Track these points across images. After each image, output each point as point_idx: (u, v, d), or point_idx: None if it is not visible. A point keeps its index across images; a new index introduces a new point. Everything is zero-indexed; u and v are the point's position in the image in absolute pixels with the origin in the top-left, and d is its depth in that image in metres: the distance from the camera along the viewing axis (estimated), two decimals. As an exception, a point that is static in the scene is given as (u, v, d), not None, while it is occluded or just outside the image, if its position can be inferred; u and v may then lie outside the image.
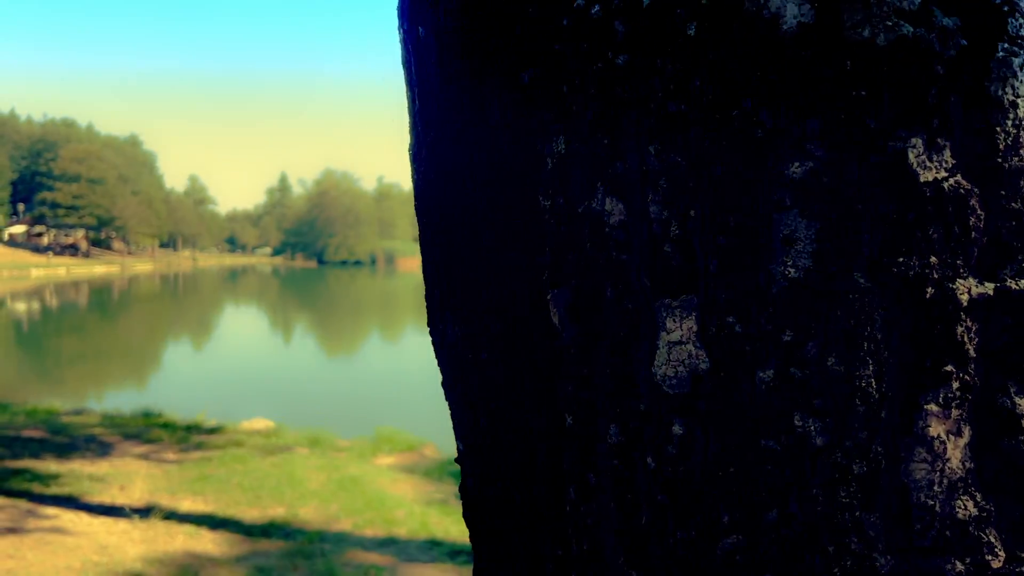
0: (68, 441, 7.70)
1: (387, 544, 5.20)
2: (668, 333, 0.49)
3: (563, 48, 0.52)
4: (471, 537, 0.66)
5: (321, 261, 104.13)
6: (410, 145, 0.67)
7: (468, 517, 0.66)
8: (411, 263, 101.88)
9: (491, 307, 0.58)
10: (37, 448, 7.26)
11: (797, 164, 0.46)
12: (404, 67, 0.67)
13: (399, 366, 19.83)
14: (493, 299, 0.58)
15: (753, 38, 0.46)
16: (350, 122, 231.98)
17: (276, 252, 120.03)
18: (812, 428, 0.46)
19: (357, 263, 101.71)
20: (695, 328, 0.49)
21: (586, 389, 0.53)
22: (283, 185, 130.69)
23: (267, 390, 15.80)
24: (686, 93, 0.48)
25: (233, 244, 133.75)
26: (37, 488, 5.90)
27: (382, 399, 14.63)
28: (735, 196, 0.47)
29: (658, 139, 0.49)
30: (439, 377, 0.68)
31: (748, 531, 0.48)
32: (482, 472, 0.62)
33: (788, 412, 0.47)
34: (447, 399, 0.68)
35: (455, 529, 5.52)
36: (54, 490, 5.90)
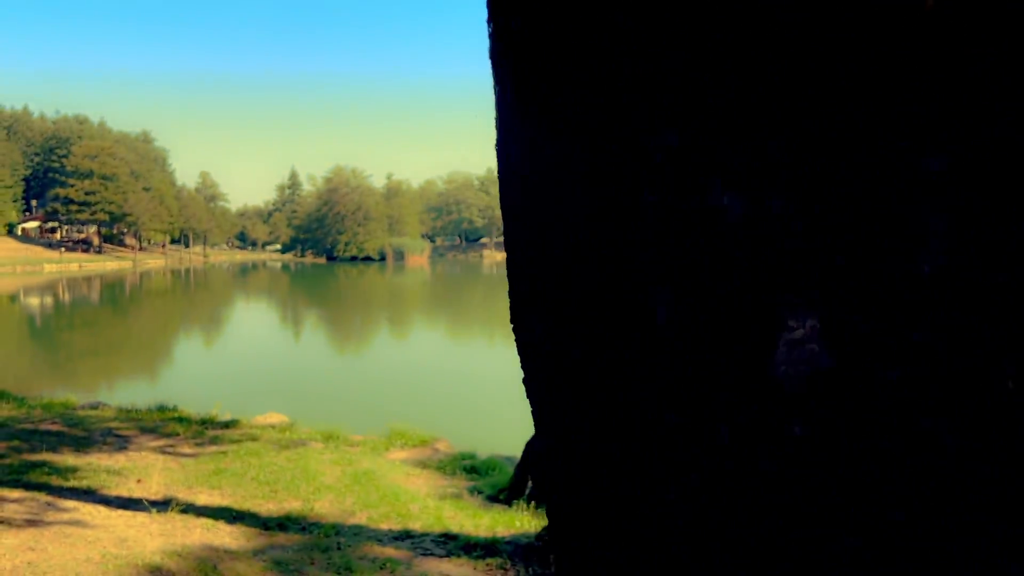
0: (85, 435, 7.74)
1: (402, 538, 5.21)
2: (789, 331, 0.48)
3: (677, 38, 0.50)
4: (552, 533, 0.64)
5: (331, 257, 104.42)
6: (497, 140, 0.65)
7: (552, 514, 0.64)
8: (420, 260, 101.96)
9: (586, 304, 0.56)
10: (55, 441, 7.31)
11: (933, 158, 0.44)
12: (492, 61, 0.65)
13: (411, 362, 19.86)
14: (588, 296, 0.56)
15: (887, 28, 0.44)
16: (360, 119, 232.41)
17: (286, 248, 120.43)
18: (942, 429, 0.45)
19: (367, 259, 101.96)
20: (818, 326, 0.47)
21: (691, 389, 0.51)
22: (293, 181, 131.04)
23: (278, 385, 15.87)
24: (815, 85, 0.46)
25: (244, 240, 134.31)
26: (56, 481, 5.93)
27: (394, 394, 14.66)
28: (866, 191, 0.45)
29: (783, 132, 0.47)
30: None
31: (870, 533, 0.46)
32: (570, 469, 0.60)
33: (916, 412, 0.45)
34: (528, 395, 0.67)
35: (469, 523, 5.52)
36: (72, 483, 5.93)
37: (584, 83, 0.55)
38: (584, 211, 0.56)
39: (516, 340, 0.67)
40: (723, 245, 0.50)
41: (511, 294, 0.68)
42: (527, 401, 0.66)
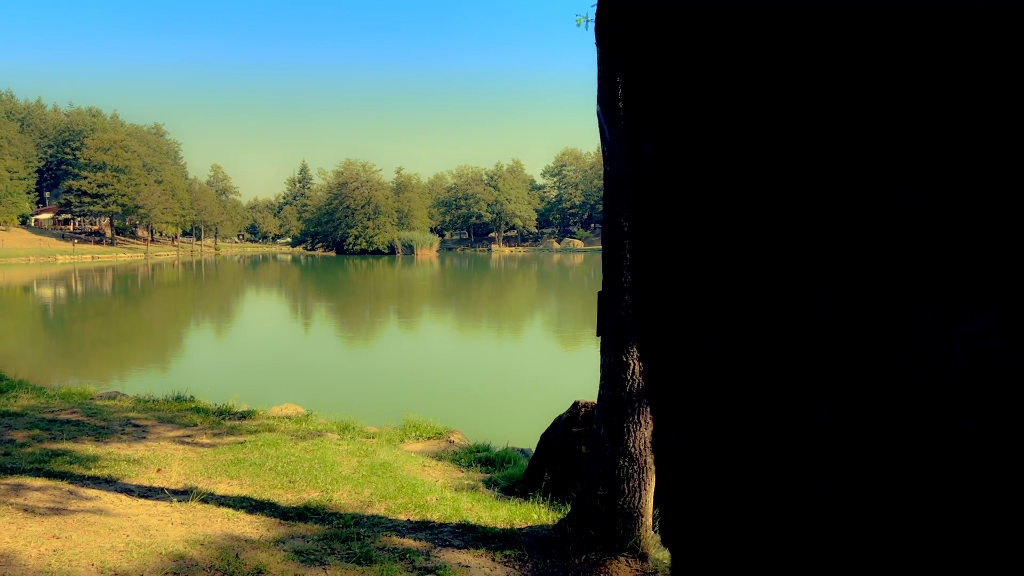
0: (104, 424, 7.81)
1: (421, 528, 5.22)
2: (968, 325, 0.47)
3: (839, 34, 0.48)
4: (670, 526, 0.63)
5: (341, 251, 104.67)
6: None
7: (674, 505, 0.63)
8: (428, 253, 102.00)
9: (725, 299, 0.55)
10: (74, 431, 7.37)
11: None
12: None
13: (424, 353, 19.89)
14: (735, 291, 0.55)
15: None
16: (371, 113, 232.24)
17: (296, 242, 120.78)
18: None
19: (376, 253, 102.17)
20: (999, 320, 0.46)
21: (851, 383, 0.50)
22: (304, 175, 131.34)
23: (293, 376, 15.94)
24: (987, 79, 0.44)
25: (254, 233, 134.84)
26: (77, 470, 5.99)
27: (408, 386, 14.69)
28: None
29: (961, 126, 0.45)
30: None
31: None
32: (701, 462, 0.59)
33: None
34: (650, 387, 0.65)
35: (486, 515, 5.52)
36: (94, 472, 5.98)
37: (734, 78, 0.53)
38: (736, 207, 0.54)
39: (642, 336, 0.65)
40: (897, 237, 0.48)
41: (637, 291, 0.66)
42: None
